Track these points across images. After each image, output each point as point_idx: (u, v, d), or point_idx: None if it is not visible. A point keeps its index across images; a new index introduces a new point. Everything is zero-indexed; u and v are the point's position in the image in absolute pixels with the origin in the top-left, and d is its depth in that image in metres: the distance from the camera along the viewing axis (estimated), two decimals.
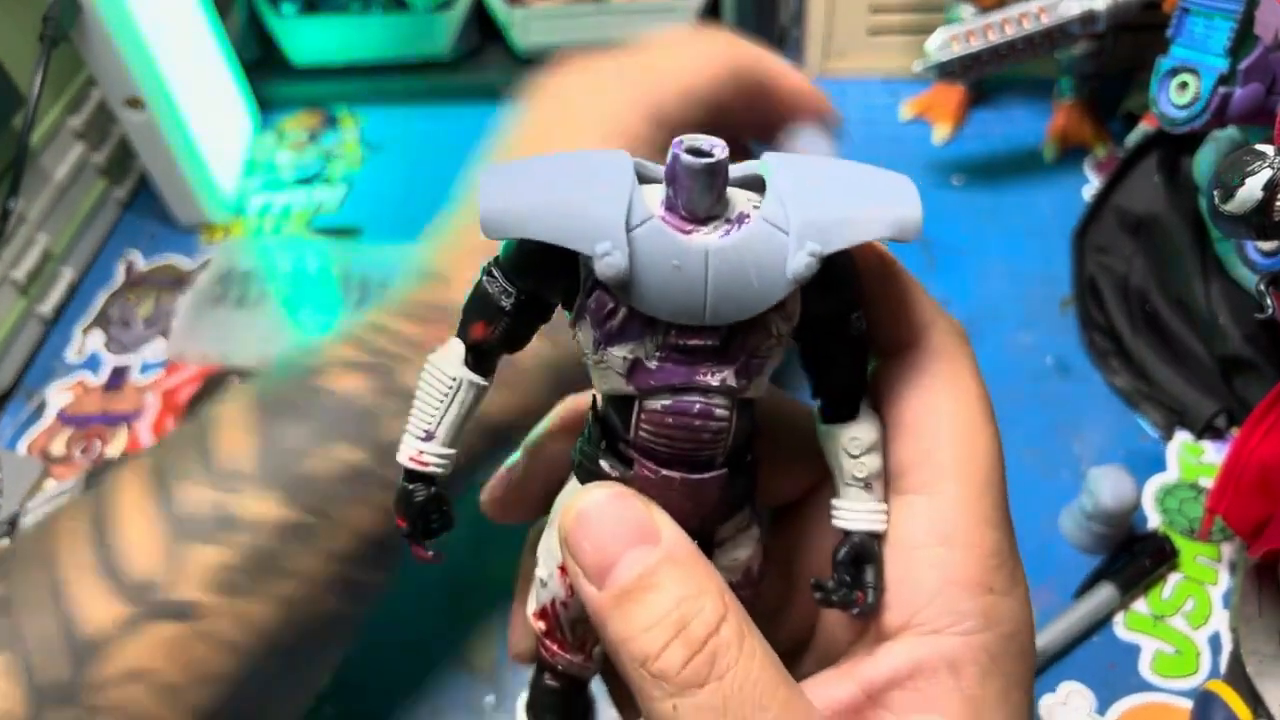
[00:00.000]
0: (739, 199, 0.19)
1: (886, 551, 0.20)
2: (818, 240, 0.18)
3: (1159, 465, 0.45)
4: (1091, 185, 0.58)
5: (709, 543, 0.21)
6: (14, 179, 0.49)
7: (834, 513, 0.21)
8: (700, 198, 0.18)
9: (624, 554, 0.19)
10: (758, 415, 0.21)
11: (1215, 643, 0.40)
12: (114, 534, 0.30)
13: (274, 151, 0.65)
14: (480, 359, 0.21)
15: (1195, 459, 0.45)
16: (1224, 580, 0.41)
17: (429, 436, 0.21)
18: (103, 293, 0.58)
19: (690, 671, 0.18)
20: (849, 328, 0.20)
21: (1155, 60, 0.40)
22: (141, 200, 0.62)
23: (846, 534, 0.21)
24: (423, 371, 0.21)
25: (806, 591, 0.21)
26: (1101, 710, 0.38)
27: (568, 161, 0.19)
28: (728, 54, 0.36)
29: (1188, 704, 0.38)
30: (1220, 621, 0.40)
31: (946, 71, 0.54)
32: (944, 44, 0.53)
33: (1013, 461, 0.51)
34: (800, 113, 0.39)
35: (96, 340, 0.55)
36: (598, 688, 0.26)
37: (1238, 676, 0.37)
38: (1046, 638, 0.39)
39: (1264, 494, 0.37)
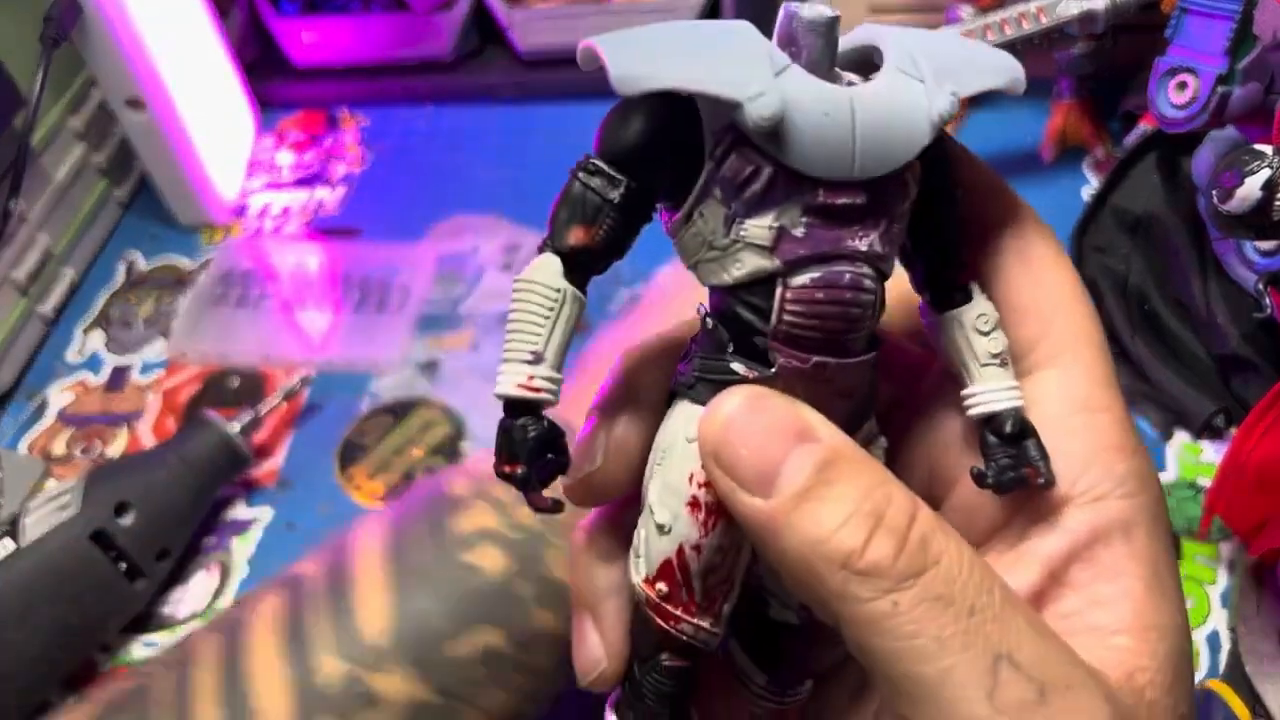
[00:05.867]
0: (846, 76, 0.19)
1: None
2: (953, 84, 0.18)
3: (1158, 464, 0.45)
4: (1090, 186, 0.58)
5: None
6: (15, 179, 0.49)
7: (972, 400, 0.20)
8: (822, 56, 0.18)
9: (788, 455, 0.18)
10: None
11: (1214, 642, 0.40)
12: (245, 697, 0.29)
13: (274, 152, 0.66)
14: (577, 272, 0.19)
15: (1194, 458, 0.45)
16: (1222, 579, 0.41)
17: (537, 359, 0.19)
18: (103, 293, 0.58)
19: (906, 560, 0.17)
20: (958, 204, 0.20)
21: (1154, 60, 0.40)
22: (142, 200, 0.63)
23: (991, 417, 0.20)
24: (516, 290, 0.18)
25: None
26: None
27: (690, 26, 0.18)
28: None
29: None
30: (1219, 621, 0.40)
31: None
32: None
33: None
34: None
35: (97, 340, 0.55)
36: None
37: (1236, 676, 0.38)
38: None
39: (1262, 493, 0.37)
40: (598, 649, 0.22)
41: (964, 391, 0.20)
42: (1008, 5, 0.53)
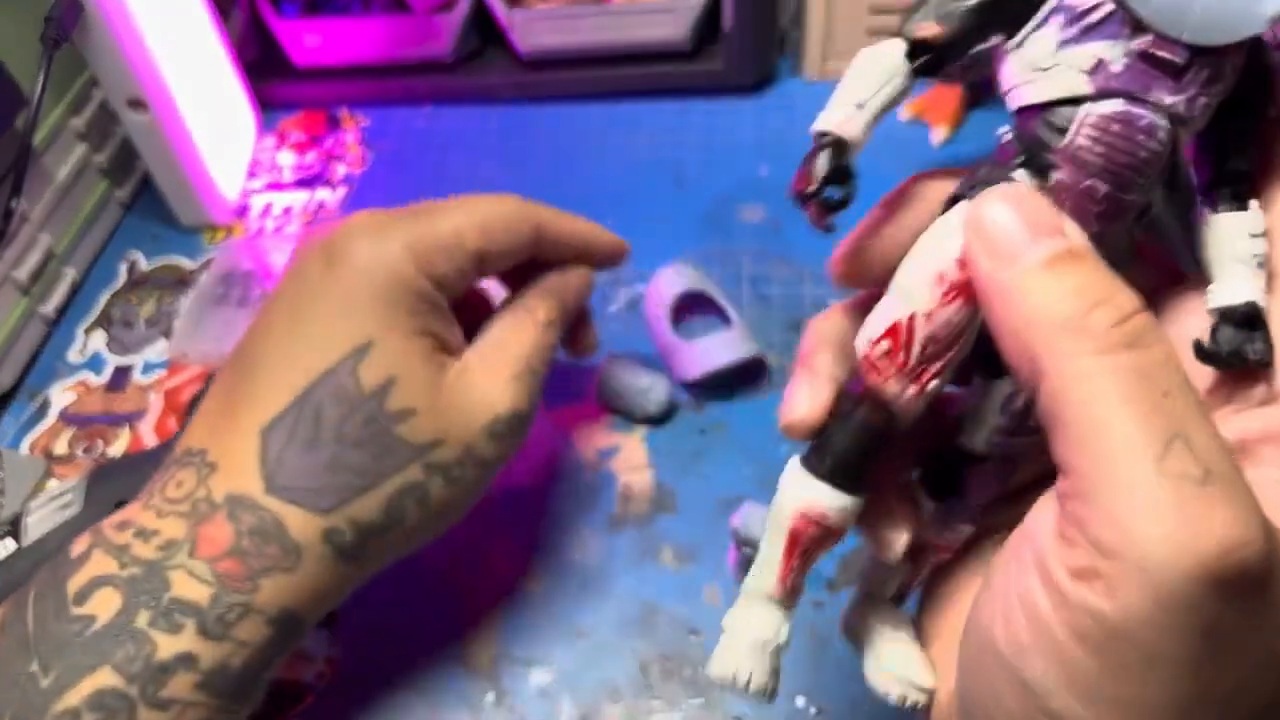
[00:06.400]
0: None
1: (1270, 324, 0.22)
2: None
3: None
4: None
5: None
6: (16, 179, 0.49)
7: (1215, 293, 0.22)
8: None
9: (1039, 239, 0.20)
10: None
11: None
12: None
13: (275, 152, 0.66)
14: (917, 60, 0.22)
15: None
16: None
17: (861, 106, 0.22)
18: (105, 293, 0.58)
19: (1119, 333, 0.19)
20: (1264, 115, 0.22)
21: None
22: (144, 201, 0.63)
23: (1229, 309, 0.22)
24: (861, 56, 0.22)
25: None
26: None
27: None
28: (500, 211, 0.37)
29: None
30: None
31: (945, 72, 0.54)
32: None
33: None
34: (591, 257, 0.41)
35: (99, 340, 0.55)
36: None
37: None
38: None
39: None
40: (804, 402, 0.24)
41: (1210, 286, 0.22)
42: None
